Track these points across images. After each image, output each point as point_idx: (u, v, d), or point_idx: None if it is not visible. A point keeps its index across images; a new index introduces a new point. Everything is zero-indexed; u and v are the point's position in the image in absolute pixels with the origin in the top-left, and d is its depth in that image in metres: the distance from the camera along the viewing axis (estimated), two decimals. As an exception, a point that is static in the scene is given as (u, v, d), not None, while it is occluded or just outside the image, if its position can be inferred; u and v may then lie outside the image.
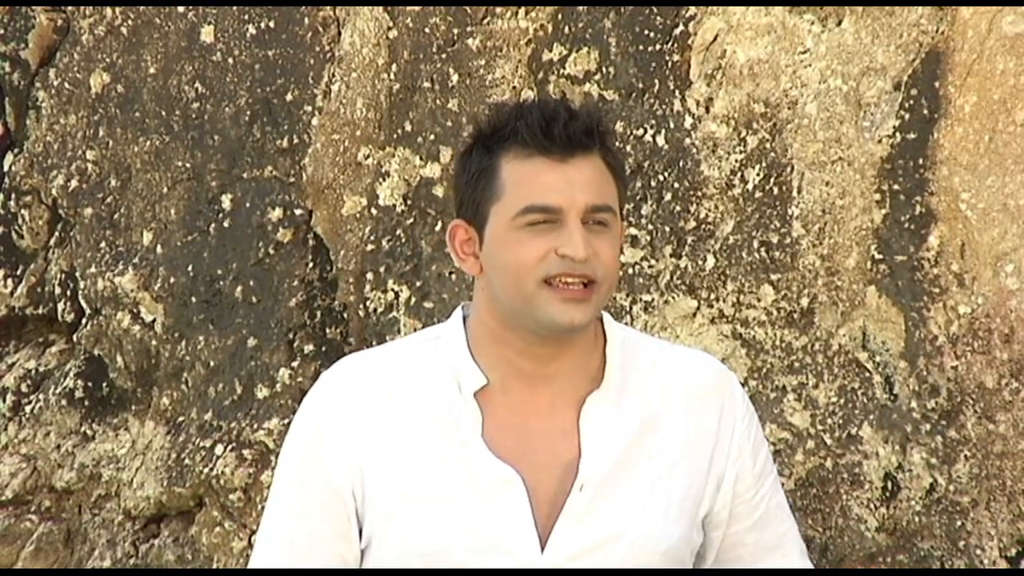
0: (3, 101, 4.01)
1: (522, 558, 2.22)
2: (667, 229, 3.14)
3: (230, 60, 3.67)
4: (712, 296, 3.09)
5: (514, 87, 3.32)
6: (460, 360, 2.28)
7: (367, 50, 3.48)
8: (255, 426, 3.56)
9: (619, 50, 3.21)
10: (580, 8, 3.25)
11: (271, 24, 3.63)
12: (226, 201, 3.66)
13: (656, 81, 3.17)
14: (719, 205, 3.09)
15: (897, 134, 2.95)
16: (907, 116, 2.94)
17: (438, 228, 3.38)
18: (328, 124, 3.51)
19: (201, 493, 3.61)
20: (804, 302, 3.01)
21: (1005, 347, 2.84)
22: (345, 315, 3.51)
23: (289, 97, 3.59)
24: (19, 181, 3.97)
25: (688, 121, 3.13)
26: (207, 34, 3.71)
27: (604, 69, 3.23)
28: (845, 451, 2.97)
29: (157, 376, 3.75)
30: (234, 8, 3.67)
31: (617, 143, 2.98)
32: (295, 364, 3.55)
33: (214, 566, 3.57)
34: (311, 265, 3.57)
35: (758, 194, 3.06)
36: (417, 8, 3.42)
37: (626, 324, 2.82)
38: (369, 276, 3.47)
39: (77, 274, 3.87)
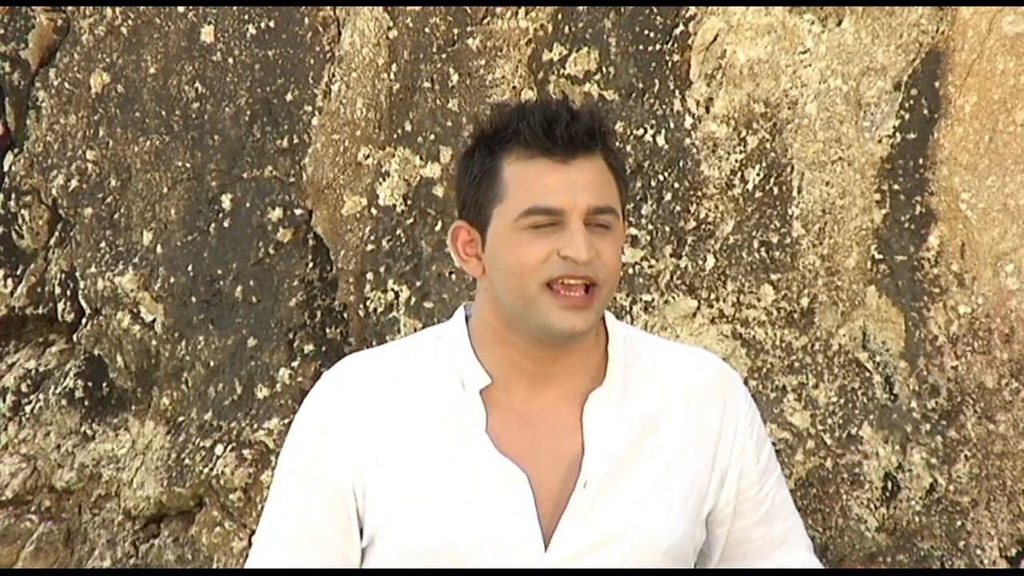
0: (3, 101, 4.01)
1: (525, 555, 2.23)
2: (667, 229, 3.14)
3: (230, 60, 3.67)
4: (712, 296, 3.09)
5: (514, 87, 3.32)
6: (463, 359, 2.28)
7: (367, 50, 3.48)
8: (255, 426, 3.56)
9: (619, 50, 3.21)
10: (580, 8, 3.25)
11: (271, 24, 3.63)
12: (226, 201, 3.66)
13: (656, 81, 3.17)
14: (719, 205, 3.09)
15: (897, 134, 2.95)
16: (907, 116, 2.94)
17: (438, 228, 3.38)
18: (328, 124, 3.51)
19: (201, 493, 3.61)
20: (804, 302, 3.01)
21: (1005, 347, 2.84)
22: (345, 315, 3.52)
23: (289, 97, 3.59)
24: (19, 181, 3.97)
25: (688, 121, 3.13)
26: (207, 34, 3.71)
27: (604, 69, 3.23)
28: (845, 451, 2.97)
29: (157, 376, 3.75)
30: (234, 8, 3.67)
31: (617, 143, 2.98)
32: (295, 364, 3.55)
33: (214, 566, 3.57)
34: (311, 265, 3.57)
35: (758, 194, 3.06)
36: (417, 8, 3.42)
37: (626, 324, 2.82)
38: (369, 276, 3.47)
39: (77, 274, 3.87)
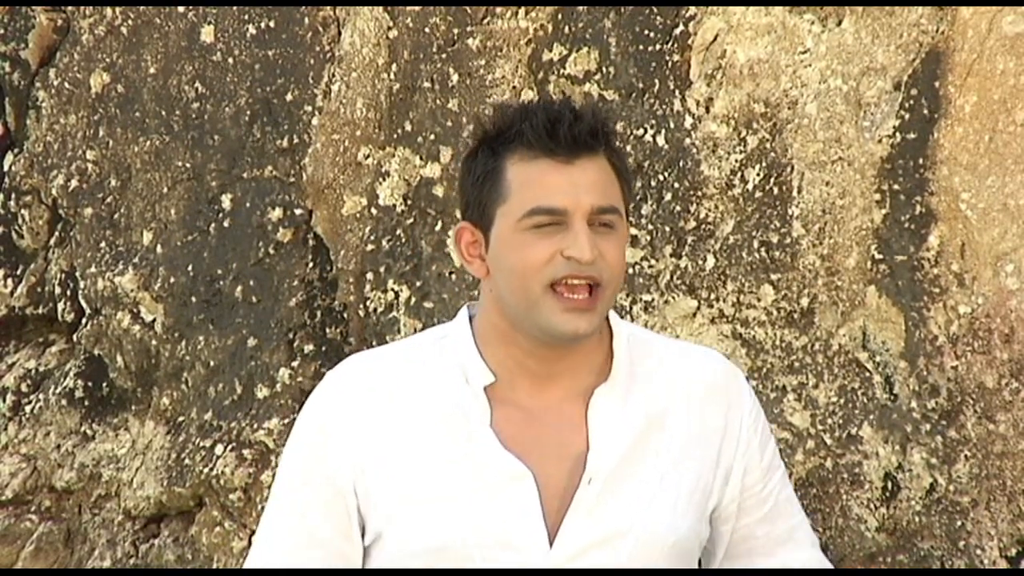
0: (3, 101, 4.01)
1: (530, 553, 2.23)
2: (667, 229, 3.14)
3: (230, 60, 3.67)
4: (712, 296, 3.10)
5: (514, 87, 3.32)
6: (468, 357, 2.29)
7: (367, 50, 3.48)
8: (255, 426, 3.56)
9: (619, 50, 3.21)
10: (580, 8, 3.25)
11: (271, 24, 3.63)
12: (226, 201, 3.66)
13: (656, 81, 3.18)
14: (719, 205, 3.10)
15: (897, 134, 2.95)
16: (907, 116, 2.94)
17: (438, 228, 3.38)
18: (328, 124, 3.51)
19: (201, 493, 3.61)
20: (804, 302, 3.01)
21: (1005, 347, 2.85)
22: (345, 315, 3.52)
23: (289, 97, 3.59)
24: (19, 181, 3.97)
25: (688, 121, 3.13)
26: (207, 34, 3.71)
27: (604, 69, 3.23)
28: (845, 451, 2.98)
29: (157, 376, 3.75)
30: (234, 8, 3.67)
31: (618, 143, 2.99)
32: (295, 364, 3.55)
33: (214, 566, 3.57)
34: (311, 265, 3.57)
35: (758, 194, 3.06)
36: (417, 8, 3.42)
37: (630, 323, 2.82)
38: (369, 276, 3.47)
39: (77, 274, 3.87)
